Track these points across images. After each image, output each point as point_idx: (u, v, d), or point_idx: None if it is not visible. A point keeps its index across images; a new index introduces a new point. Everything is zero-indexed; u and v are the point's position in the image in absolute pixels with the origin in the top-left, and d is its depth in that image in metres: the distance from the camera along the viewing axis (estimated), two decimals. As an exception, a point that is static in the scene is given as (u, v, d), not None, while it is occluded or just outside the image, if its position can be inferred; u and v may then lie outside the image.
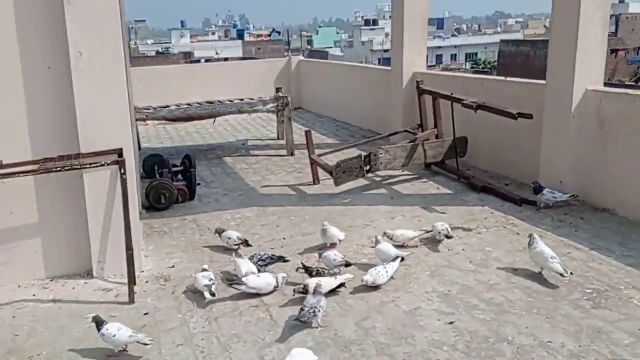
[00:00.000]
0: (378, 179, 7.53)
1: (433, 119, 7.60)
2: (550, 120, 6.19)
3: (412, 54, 9.07)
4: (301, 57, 15.34)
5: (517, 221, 5.69)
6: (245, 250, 5.22)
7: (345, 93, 11.77)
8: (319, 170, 7.56)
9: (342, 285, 4.46)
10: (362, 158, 6.93)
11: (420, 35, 9.17)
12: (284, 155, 9.26)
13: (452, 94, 7.17)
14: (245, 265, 4.70)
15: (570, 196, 5.86)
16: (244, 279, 4.40)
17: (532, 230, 5.41)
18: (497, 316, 3.96)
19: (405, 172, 7.65)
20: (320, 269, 4.52)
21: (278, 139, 10.63)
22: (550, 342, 3.61)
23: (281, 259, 4.94)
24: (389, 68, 10.02)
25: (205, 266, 4.67)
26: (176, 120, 9.66)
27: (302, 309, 3.91)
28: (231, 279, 4.53)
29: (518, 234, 5.38)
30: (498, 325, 3.84)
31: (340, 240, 5.32)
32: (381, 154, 7.01)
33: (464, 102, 6.78)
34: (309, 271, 4.51)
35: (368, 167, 6.97)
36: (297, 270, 4.66)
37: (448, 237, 5.24)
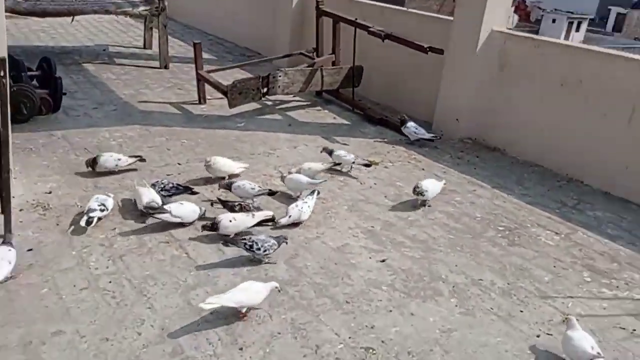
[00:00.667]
0: (270, 103, 7.08)
1: (332, 44, 7.25)
2: (453, 58, 6.19)
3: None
4: (164, -43, 13.70)
5: (419, 156, 5.72)
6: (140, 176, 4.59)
7: (221, 5, 10.79)
8: (207, 88, 6.89)
9: (266, 222, 4.09)
10: (261, 79, 6.41)
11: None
12: (156, 68, 8.31)
13: (356, 19, 6.84)
14: (147, 195, 4.10)
15: (432, 136, 5.94)
16: (166, 207, 3.83)
17: (435, 166, 5.52)
18: (425, 254, 3.94)
19: (297, 98, 7.29)
20: (243, 205, 4.08)
21: (145, 48, 9.51)
22: (481, 280, 3.68)
23: (188, 190, 4.38)
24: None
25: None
26: (27, 15, 8.06)
27: (252, 245, 3.57)
28: (151, 207, 3.90)
29: (423, 169, 5.42)
30: (429, 263, 3.83)
31: (235, 174, 4.77)
32: (280, 76, 6.54)
33: (371, 29, 6.48)
34: (230, 207, 4.06)
35: (265, 89, 6.47)
36: (212, 204, 4.17)
37: (367, 165, 5.12)
